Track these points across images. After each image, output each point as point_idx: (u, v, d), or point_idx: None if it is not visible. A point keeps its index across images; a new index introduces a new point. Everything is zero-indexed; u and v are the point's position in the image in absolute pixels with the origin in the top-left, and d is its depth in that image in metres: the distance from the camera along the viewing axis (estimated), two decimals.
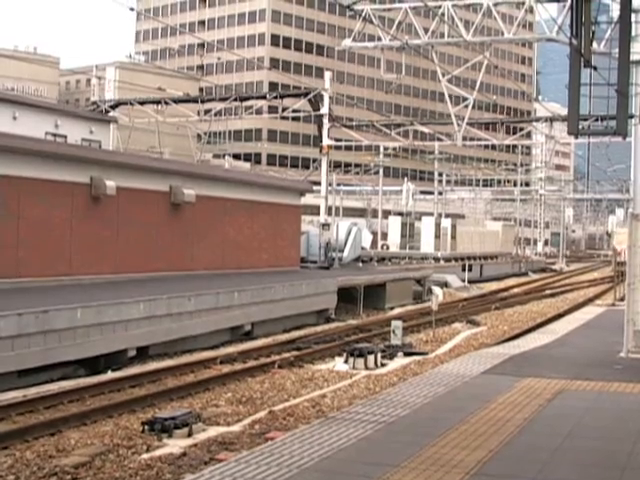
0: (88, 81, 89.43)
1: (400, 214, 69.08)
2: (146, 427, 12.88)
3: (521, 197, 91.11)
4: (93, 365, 18.73)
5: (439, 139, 53.60)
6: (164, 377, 18.19)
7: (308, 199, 43.81)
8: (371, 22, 36.27)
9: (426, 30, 37.39)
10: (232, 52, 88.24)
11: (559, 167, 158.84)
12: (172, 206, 29.48)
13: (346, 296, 32.38)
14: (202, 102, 53.65)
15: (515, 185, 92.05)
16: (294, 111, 49.36)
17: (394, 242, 61.87)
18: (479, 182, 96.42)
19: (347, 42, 41.40)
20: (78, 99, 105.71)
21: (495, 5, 35.57)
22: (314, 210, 47.25)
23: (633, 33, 16.92)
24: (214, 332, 23.50)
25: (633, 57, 16.81)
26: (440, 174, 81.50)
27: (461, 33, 35.51)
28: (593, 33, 15.38)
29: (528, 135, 61.83)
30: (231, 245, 32.63)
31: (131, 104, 51.37)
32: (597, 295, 42.79)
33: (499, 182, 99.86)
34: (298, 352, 22.22)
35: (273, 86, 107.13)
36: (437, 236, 60.47)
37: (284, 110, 50.48)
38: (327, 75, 46.75)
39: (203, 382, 17.54)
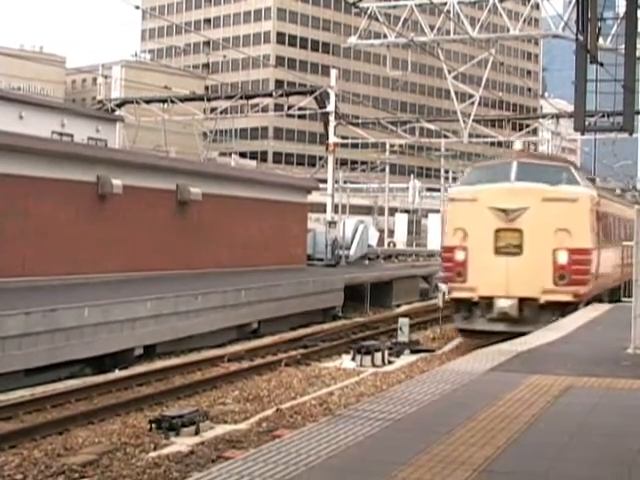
0: (94, 80, 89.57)
1: (407, 211, 69.03)
2: (153, 425, 12.90)
3: None
4: (100, 364, 18.76)
5: (445, 136, 53.54)
6: (171, 375, 18.21)
7: (314, 197, 43.78)
8: (377, 19, 36.31)
9: (432, 27, 37.39)
10: (238, 50, 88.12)
11: None
12: (179, 204, 29.48)
13: (353, 294, 32.37)
14: (208, 100, 53.81)
15: None
16: (300, 109, 49.39)
17: (401, 239, 61.86)
18: None
19: (353, 40, 41.42)
20: (84, 98, 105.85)
21: (501, 2, 35.56)
22: (320, 208, 47.22)
23: (639, 29, 16.87)
24: (221, 330, 23.51)
25: (639, 53, 16.78)
26: (446, 171, 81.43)
27: (467, 30, 35.51)
28: (599, 29, 15.39)
29: (534, 132, 61.86)
30: (237, 243, 32.61)
31: (137, 103, 51.38)
32: None
33: None
34: (305, 350, 22.22)
35: (279, 84, 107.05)
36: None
37: (290, 108, 50.49)
38: (333, 73, 46.71)
39: (210, 380, 17.56)
